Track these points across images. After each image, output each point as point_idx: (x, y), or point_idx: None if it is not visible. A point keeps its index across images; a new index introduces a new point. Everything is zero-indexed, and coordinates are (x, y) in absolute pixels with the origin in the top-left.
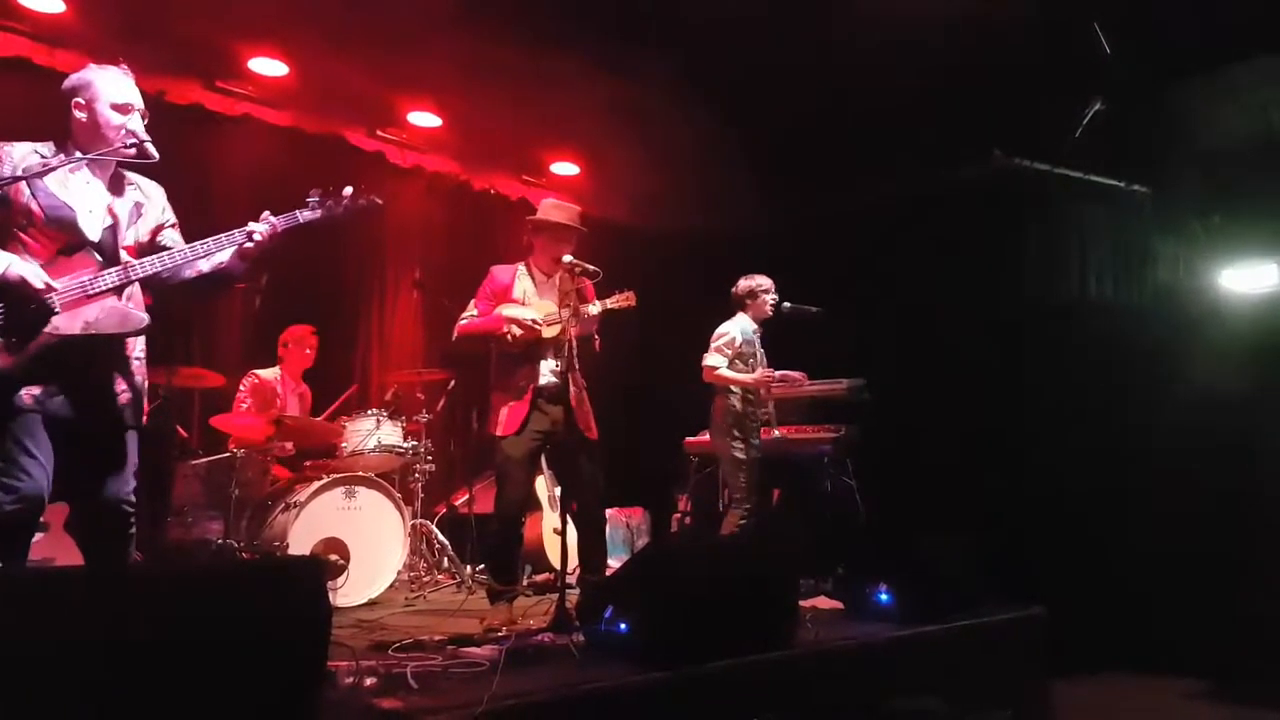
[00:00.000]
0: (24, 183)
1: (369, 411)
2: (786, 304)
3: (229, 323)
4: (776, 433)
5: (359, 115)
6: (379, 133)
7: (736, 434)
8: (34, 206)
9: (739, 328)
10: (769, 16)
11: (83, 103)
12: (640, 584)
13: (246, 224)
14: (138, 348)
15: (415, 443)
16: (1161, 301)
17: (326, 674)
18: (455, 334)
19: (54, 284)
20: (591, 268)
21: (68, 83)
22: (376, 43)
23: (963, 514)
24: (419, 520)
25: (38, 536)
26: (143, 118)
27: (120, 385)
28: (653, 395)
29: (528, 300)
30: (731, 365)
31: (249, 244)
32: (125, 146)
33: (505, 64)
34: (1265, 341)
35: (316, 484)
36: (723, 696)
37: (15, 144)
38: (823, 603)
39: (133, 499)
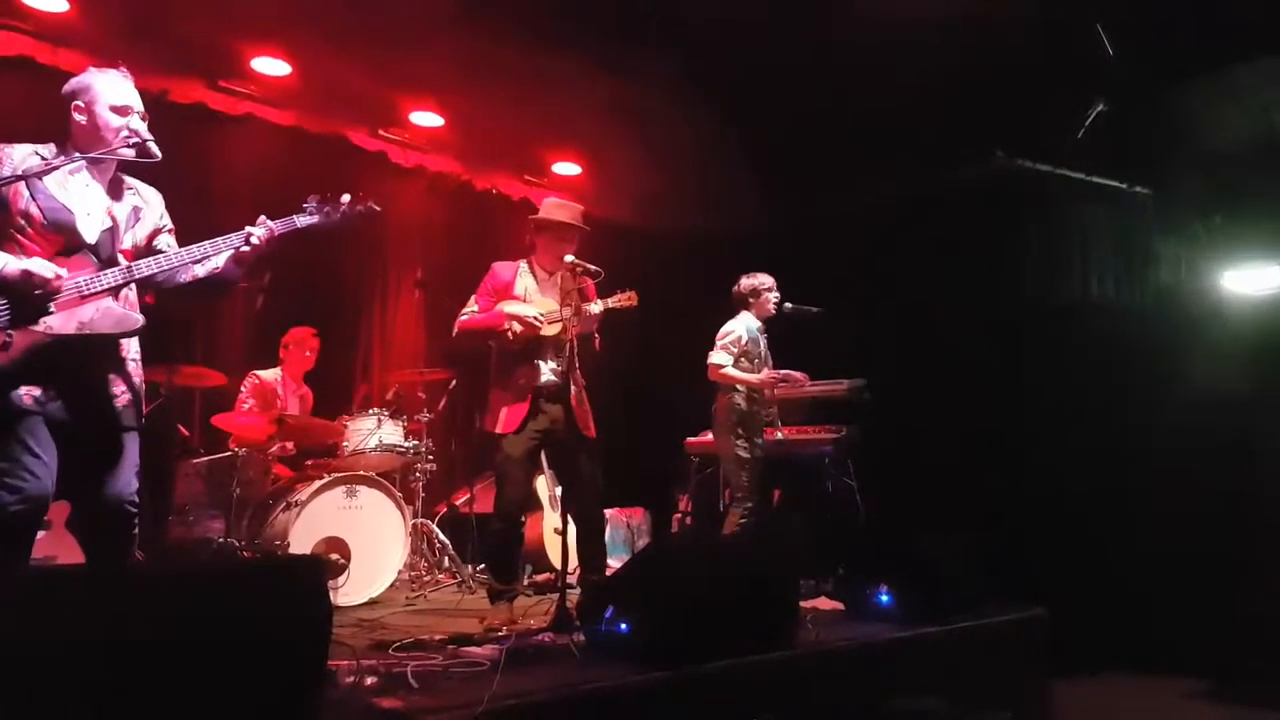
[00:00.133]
0: (24, 184)
1: (370, 411)
2: (787, 304)
3: (231, 322)
4: (779, 434)
5: (361, 115)
6: (381, 132)
7: (740, 432)
8: (33, 208)
9: (744, 326)
10: (769, 16)
11: (82, 105)
12: (641, 584)
13: (245, 226)
14: (132, 349)
15: (416, 442)
16: (1163, 303)
17: (327, 673)
18: (455, 329)
19: (62, 272)
20: (593, 267)
21: (68, 86)
22: (379, 43)
23: (963, 514)
24: (420, 520)
25: (40, 535)
26: (142, 119)
27: (117, 386)
28: (653, 395)
29: (529, 298)
30: (736, 364)
31: (245, 248)
32: (127, 145)
33: (507, 64)
34: (1266, 343)
35: (317, 483)
36: (723, 697)
37: (15, 145)
38: (823, 603)
39: (135, 499)
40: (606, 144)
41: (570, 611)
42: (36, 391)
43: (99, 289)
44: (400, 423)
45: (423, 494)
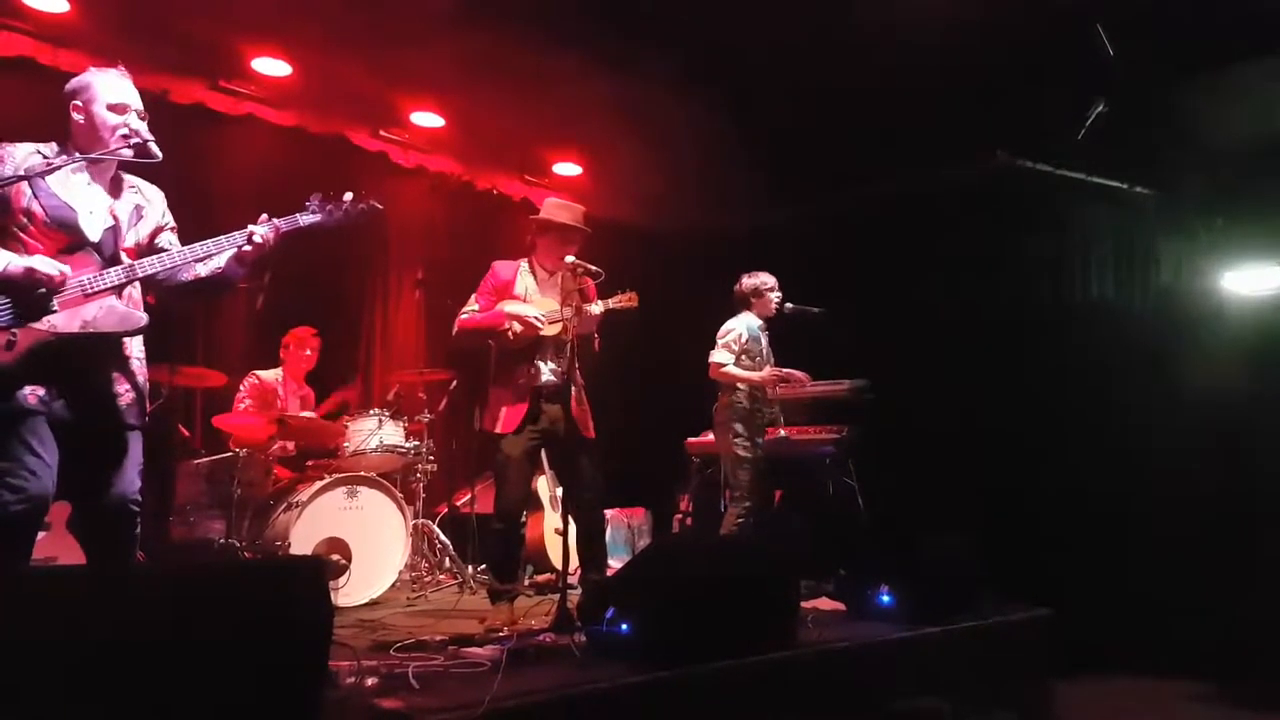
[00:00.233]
0: (26, 183)
1: (371, 411)
2: (789, 304)
3: (232, 322)
4: (781, 433)
5: (362, 115)
6: (382, 133)
7: (741, 431)
8: (35, 207)
9: (744, 324)
10: (769, 16)
11: (80, 105)
12: (642, 584)
13: (245, 226)
14: (136, 347)
15: (417, 443)
16: (1163, 303)
17: (328, 674)
18: (456, 328)
19: (66, 269)
20: (594, 268)
21: (67, 86)
22: (379, 43)
23: (964, 515)
24: (421, 520)
25: (40, 535)
26: (141, 118)
27: (121, 385)
28: (654, 395)
29: (530, 298)
30: (738, 362)
31: (248, 247)
32: (127, 145)
33: (508, 64)
34: (1267, 344)
35: (318, 484)
36: (724, 697)
37: (18, 144)
38: (824, 604)
39: (138, 498)
40: (607, 144)
41: (571, 612)
42: (40, 390)
43: (102, 287)
44: (401, 423)
45: (423, 494)
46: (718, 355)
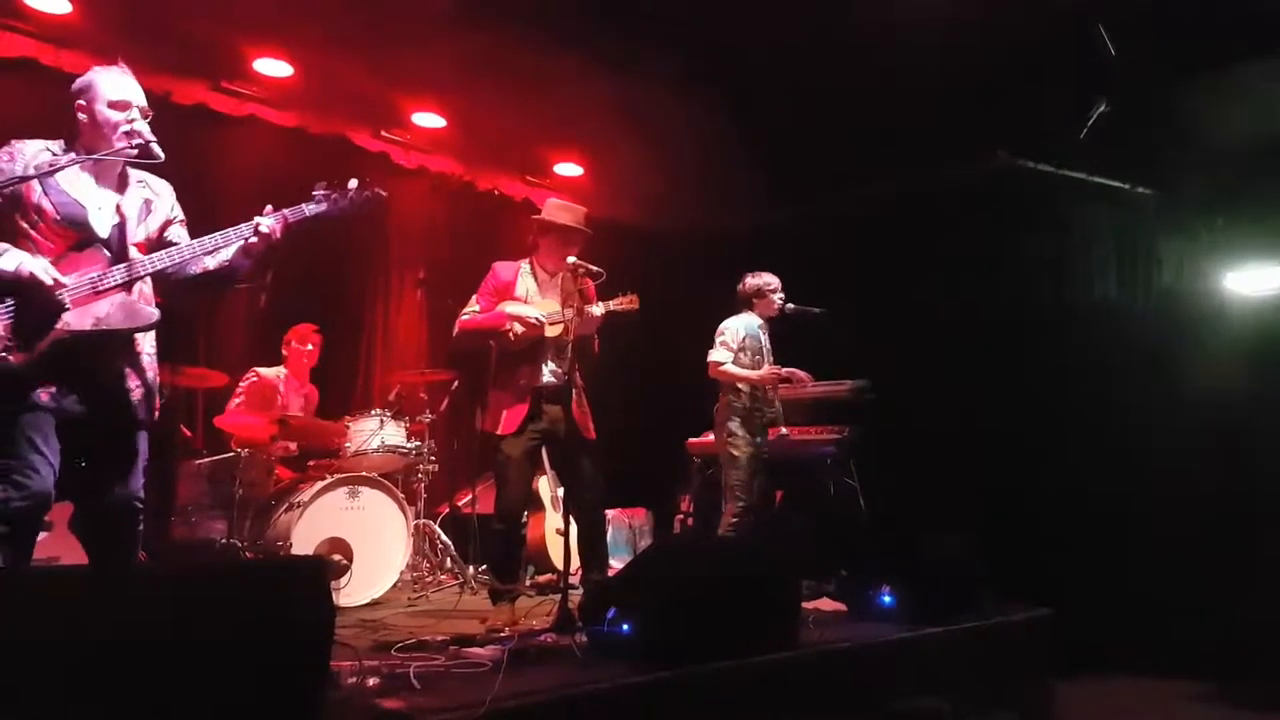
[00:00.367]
0: (35, 180)
1: (372, 411)
2: (790, 304)
3: (234, 322)
4: (783, 431)
5: (363, 116)
6: (383, 133)
7: (738, 430)
8: (45, 204)
9: (743, 323)
10: (769, 16)
11: (84, 104)
12: (643, 584)
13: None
14: (148, 344)
15: (418, 443)
16: (1164, 303)
17: (329, 674)
18: (456, 329)
19: (62, 279)
20: (595, 268)
21: (72, 87)
22: (381, 43)
23: (965, 515)
24: (422, 520)
25: (42, 535)
26: (144, 115)
27: (132, 382)
28: (655, 395)
29: (530, 299)
30: (737, 361)
31: (254, 238)
32: (129, 147)
33: (508, 64)
34: (1268, 344)
35: (320, 484)
36: (725, 697)
37: (28, 141)
38: (826, 604)
39: (142, 495)
40: (607, 144)
41: (572, 612)
42: (52, 387)
43: (113, 283)
44: (402, 423)
45: (425, 495)
46: (715, 354)
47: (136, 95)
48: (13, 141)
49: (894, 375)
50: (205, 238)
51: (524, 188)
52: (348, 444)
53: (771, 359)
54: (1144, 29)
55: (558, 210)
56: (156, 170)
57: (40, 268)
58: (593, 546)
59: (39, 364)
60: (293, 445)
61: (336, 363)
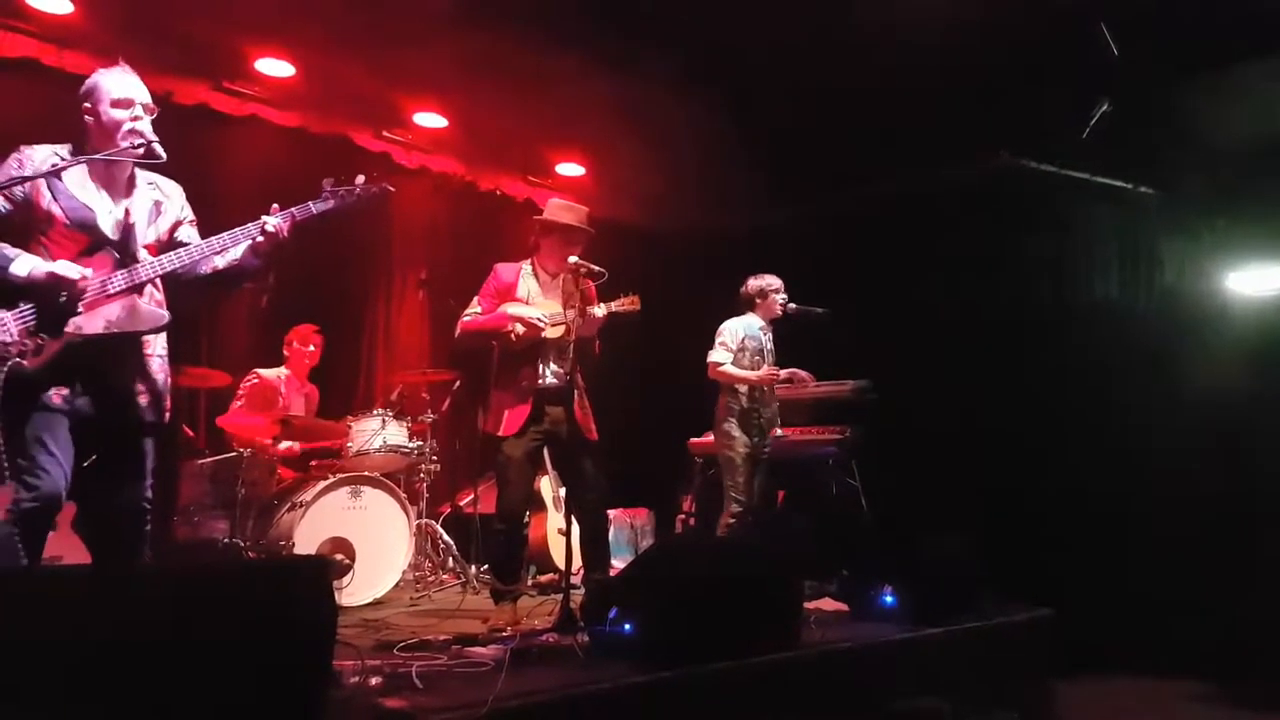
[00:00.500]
0: (45, 186)
1: (375, 411)
2: (792, 305)
3: (236, 322)
4: (780, 432)
5: (365, 116)
6: (385, 134)
7: (736, 431)
8: (55, 210)
9: (743, 324)
10: (769, 16)
11: (90, 107)
12: (645, 584)
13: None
14: (158, 345)
15: (420, 443)
16: (1166, 303)
17: (332, 673)
18: (458, 330)
19: (87, 272)
20: (597, 269)
21: (80, 91)
22: (382, 43)
23: (967, 515)
24: (424, 520)
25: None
26: (148, 112)
27: (142, 383)
28: (656, 395)
29: (532, 300)
30: (736, 362)
31: (261, 237)
32: (133, 148)
33: (510, 65)
34: (1270, 344)
35: (322, 484)
36: (726, 697)
37: (36, 147)
38: (827, 604)
39: (150, 497)
40: (608, 144)
41: (574, 612)
42: (65, 390)
43: (124, 286)
44: (404, 423)
45: (427, 494)
46: (715, 354)
47: (139, 93)
48: (21, 147)
49: (895, 375)
50: (213, 238)
51: (526, 188)
52: (350, 444)
53: (773, 360)
54: (1144, 29)
55: (560, 210)
56: (159, 171)
57: (61, 265)
58: (595, 546)
59: (51, 367)
60: (295, 445)
61: (338, 363)
